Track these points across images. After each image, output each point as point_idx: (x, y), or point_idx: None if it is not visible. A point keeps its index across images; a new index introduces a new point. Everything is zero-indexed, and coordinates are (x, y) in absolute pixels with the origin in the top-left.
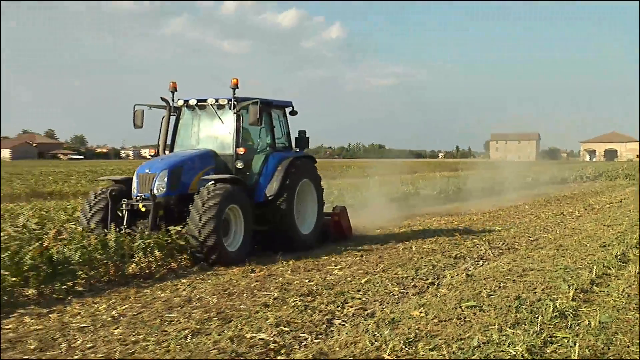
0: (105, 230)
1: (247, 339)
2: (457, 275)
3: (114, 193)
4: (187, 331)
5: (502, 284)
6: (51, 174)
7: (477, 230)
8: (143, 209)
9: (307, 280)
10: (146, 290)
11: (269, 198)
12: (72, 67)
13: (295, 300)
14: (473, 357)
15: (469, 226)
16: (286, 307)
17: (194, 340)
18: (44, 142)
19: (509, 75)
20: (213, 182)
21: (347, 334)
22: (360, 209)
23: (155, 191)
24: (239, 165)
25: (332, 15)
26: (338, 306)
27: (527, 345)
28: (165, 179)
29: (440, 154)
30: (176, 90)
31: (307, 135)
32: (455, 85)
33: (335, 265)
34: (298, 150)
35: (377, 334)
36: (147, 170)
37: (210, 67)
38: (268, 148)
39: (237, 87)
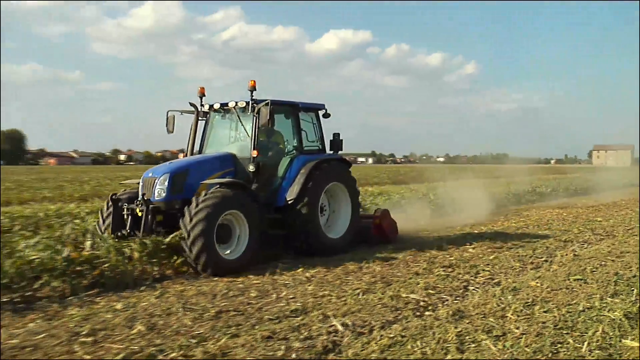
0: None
1: (403, 298)
2: (566, 255)
3: (115, 197)
4: (359, 290)
5: (603, 263)
6: None
7: (582, 220)
8: (140, 214)
9: (448, 256)
10: (330, 260)
11: (289, 202)
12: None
13: (439, 270)
14: (579, 319)
15: (575, 217)
16: (432, 275)
17: (364, 297)
18: None
19: (612, 95)
20: (218, 186)
21: (478, 297)
22: (491, 200)
23: (155, 195)
24: (251, 168)
25: (469, 55)
26: (472, 276)
27: (624, 312)
28: (166, 183)
29: (552, 161)
30: (204, 95)
31: (340, 138)
32: (566, 105)
33: (470, 245)
34: (332, 153)
35: (502, 298)
36: (150, 174)
37: (377, 98)
38: (294, 151)
39: (255, 89)
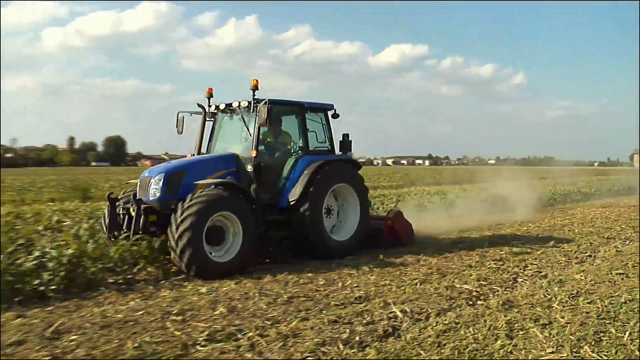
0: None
1: (457, 288)
2: (609, 250)
3: (111, 196)
4: (417, 280)
5: None
6: None
7: (624, 218)
8: (133, 213)
9: (499, 250)
10: (388, 254)
11: (291, 203)
12: (355, 108)
13: (490, 264)
14: (621, 310)
15: (617, 215)
16: (484, 267)
17: (421, 286)
18: None
19: None
20: (213, 186)
21: (527, 288)
22: (539, 200)
23: (150, 195)
24: (249, 168)
25: (519, 66)
26: (521, 269)
27: None
28: (160, 183)
29: (595, 163)
30: (212, 96)
31: (349, 139)
32: (609, 112)
33: (519, 240)
34: (341, 154)
35: (549, 290)
36: (147, 174)
37: (435, 107)
38: (300, 152)
39: (257, 89)
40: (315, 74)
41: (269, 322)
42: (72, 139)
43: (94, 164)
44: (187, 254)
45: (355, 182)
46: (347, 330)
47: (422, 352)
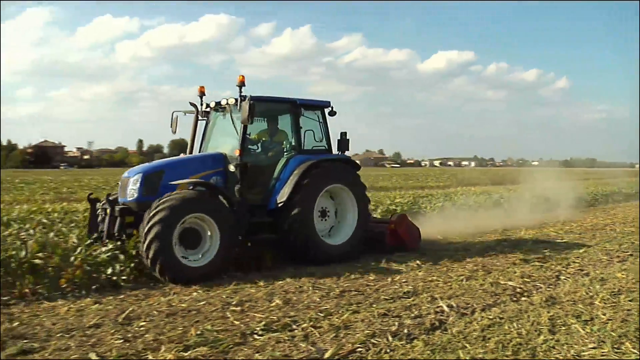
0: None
1: (502, 284)
2: None
3: (92, 197)
4: (462, 276)
5: None
6: (380, 176)
7: None
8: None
9: (542, 249)
10: (434, 251)
11: (279, 205)
12: (404, 112)
13: (534, 261)
14: None
15: None
16: (527, 265)
17: (467, 282)
18: (377, 156)
19: None
20: (192, 186)
21: (569, 286)
22: (581, 200)
23: (128, 196)
24: (231, 168)
25: (561, 72)
26: (563, 267)
27: None
28: (138, 184)
29: (637, 165)
30: (204, 95)
31: (347, 137)
32: None
33: (561, 239)
34: (340, 153)
35: (591, 287)
36: (126, 175)
37: (480, 111)
38: (292, 151)
39: (244, 85)
40: (366, 80)
41: (322, 314)
42: (140, 142)
43: None
44: (157, 258)
45: (352, 183)
46: (396, 323)
47: (467, 345)
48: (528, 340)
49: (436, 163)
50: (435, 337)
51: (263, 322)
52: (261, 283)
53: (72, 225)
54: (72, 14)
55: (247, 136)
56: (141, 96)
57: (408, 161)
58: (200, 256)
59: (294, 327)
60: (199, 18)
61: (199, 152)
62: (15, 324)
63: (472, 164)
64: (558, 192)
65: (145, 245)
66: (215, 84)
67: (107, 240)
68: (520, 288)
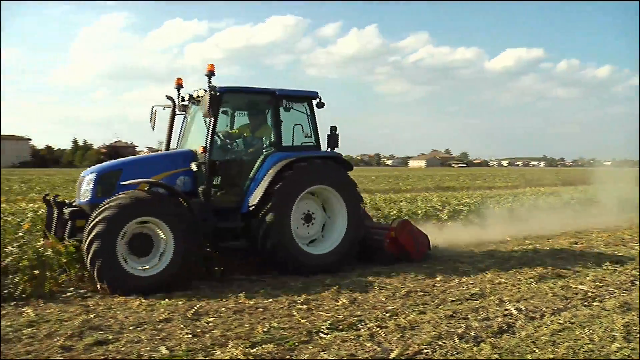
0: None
1: (572, 288)
2: None
3: (47, 198)
4: (532, 279)
5: None
6: (447, 176)
7: None
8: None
9: (615, 252)
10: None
11: (250, 208)
12: (471, 111)
13: (607, 265)
14: None
15: None
16: (600, 269)
17: (536, 285)
18: (444, 156)
19: None
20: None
21: None
22: None
23: (81, 197)
24: (193, 167)
25: (635, 68)
26: (639, 271)
27: None
28: (92, 184)
29: None
30: (182, 87)
31: (337, 132)
32: None
33: (637, 243)
34: (329, 150)
35: None
36: (82, 174)
37: (550, 109)
38: (271, 147)
39: (213, 74)
40: (432, 79)
41: (387, 314)
42: None
43: None
44: (97, 265)
45: (340, 184)
46: (463, 325)
47: (536, 349)
48: (601, 347)
49: (504, 163)
50: (502, 340)
51: (329, 321)
52: (328, 281)
53: None
54: (144, 18)
55: (230, 132)
56: None
57: (475, 161)
58: (151, 265)
59: (360, 326)
60: (266, 19)
61: (177, 148)
62: (91, 315)
63: (542, 164)
64: (633, 193)
65: (86, 251)
66: (281, 83)
67: (61, 243)
68: (592, 292)
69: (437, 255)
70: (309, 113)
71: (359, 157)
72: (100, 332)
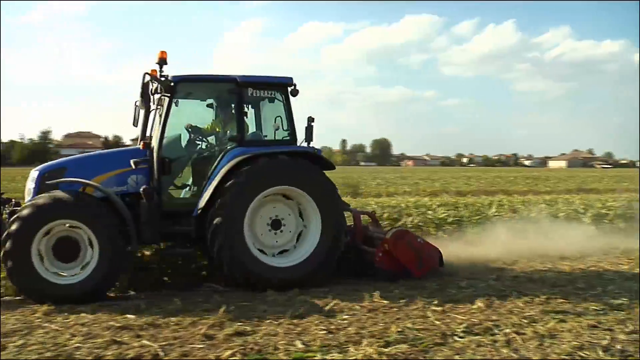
0: None
1: None
2: None
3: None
4: None
5: None
6: (590, 177)
7: None
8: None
9: None
10: None
11: (198, 210)
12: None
13: None
14: None
15: None
16: None
17: None
18: (586, 156)
19: None
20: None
21: None
22: None
23: (26, 196)
24: (132, 164)
25: None
26: None
27: None
28: (34, 183)
29: None
30: (166, 63)
31: (312, 124)
32: None
33: None
34: (307, 145)
35: None
36: (31, 171)
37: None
38: (231, 143)
39: (165, 63)
40: (573, 74)
41: (525, 320)
42: (344, 142)
43: (362, 163)
44: (8, 266)
45: (311, 185)
46: (608, 337)
47: None
48: None
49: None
50: None
51: (464, 324)
52: (463, 284)
53: None
54: (282, 22)
55: (200, 127)
56: (344, 97)
57: (621, 162)
58: (77, 271)
59: (496, 331)
60: (400, 19)
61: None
62: (232, 307)
63: None
64: None
65: (2, 255)
66: (416, 83)
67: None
68: None
69: (578, 259)
70: (284, 102)
71: (495, 157)
72: (240, 324)
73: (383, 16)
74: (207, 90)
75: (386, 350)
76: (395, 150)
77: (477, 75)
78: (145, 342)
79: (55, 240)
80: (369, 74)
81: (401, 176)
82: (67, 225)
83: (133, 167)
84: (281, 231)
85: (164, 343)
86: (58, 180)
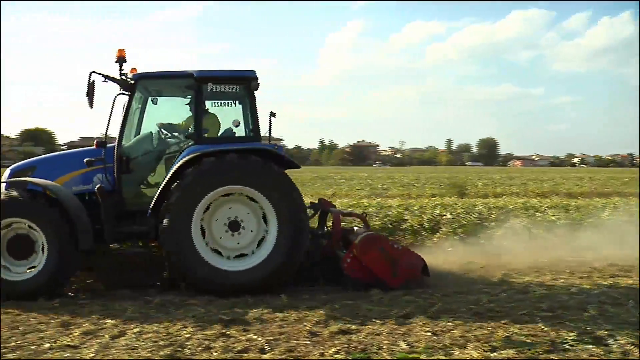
0: None
1: None
2: None
3: None
4: None
5: None
6: None
7: None
8: None
9: None
10: None
11: (149, 210)
12: None
13: None
14: None
15: None
16: None
17: None
18: None
19: None
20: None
21: None
22: None
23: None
24: (85, 162)
25: None
26: None
27: None
28: (5, 184)
29: None
30: (125, 61)
31: (272, 118)
32: None
33: None
34: (271, 143)
35: None
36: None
37: None
38: (189, 140)
39: (125, 60)
40: None
41: None
42: (449, 141)
43: (468, 163)
44: None
45: (265, 185)
46: None
47: None
48: None
49: None
50: None
51: (575, 332)
52: (574, 290)
53: (387, 219)
54: (385, 23)
55: (173, 124)
56: (448, 96)
57: None
58: (29, 268)
59: (610, 342)
60: (507, 15)
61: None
62: (337, 305)
63: None
64: None
65: None
66: (523, 81)
67: None
68: None
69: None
70: (245, 99)
71: (609, 157)
72: (344, 322)
73: (488, 13)
74: (167, 87)
75: (492, 355)
76: (502, 150)
77: (588, 70)
78: (252, 336)
79: (12, 237)
80: (474, 72)
81: (509, 176)
82: (27, 224)
83: (87, 166)
84: (239, 233)
85: (270, 338)
86: (4, 180)
